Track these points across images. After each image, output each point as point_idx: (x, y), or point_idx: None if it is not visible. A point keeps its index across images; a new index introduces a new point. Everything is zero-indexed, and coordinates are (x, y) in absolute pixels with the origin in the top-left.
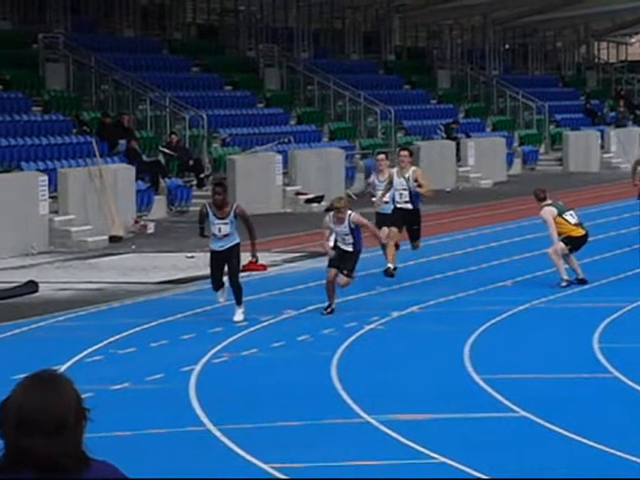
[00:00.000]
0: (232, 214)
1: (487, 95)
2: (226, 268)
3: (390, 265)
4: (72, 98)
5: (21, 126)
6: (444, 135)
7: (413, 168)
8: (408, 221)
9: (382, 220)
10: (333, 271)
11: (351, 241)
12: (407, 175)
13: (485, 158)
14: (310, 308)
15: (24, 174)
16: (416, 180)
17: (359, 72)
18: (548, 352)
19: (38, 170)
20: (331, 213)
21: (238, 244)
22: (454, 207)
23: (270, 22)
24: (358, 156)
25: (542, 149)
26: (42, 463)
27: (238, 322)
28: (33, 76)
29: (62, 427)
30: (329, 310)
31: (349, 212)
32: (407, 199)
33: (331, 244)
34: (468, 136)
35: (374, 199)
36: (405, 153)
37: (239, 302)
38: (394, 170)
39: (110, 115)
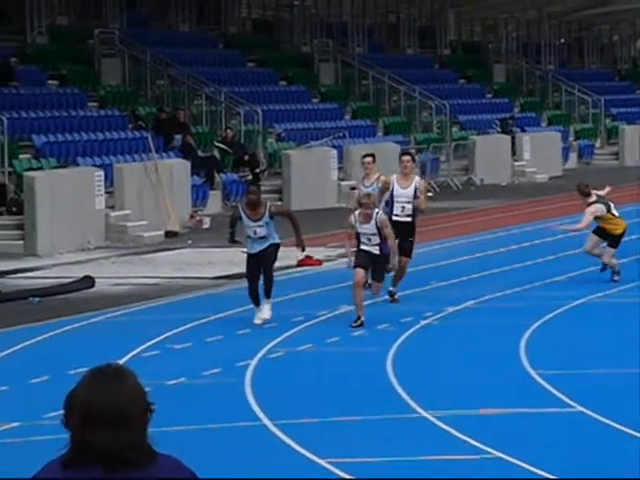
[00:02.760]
0: (267, 215)
1: (542, 89)
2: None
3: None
4: (128, 93)
5: (77, 121)
6: (499, 129)
7: (417, 178)
8: (403, 234)
9: None
10: (362, 272)
11: (377, 241)
12: (412, 185)
13: (541, 152)
14: (365, 303)
15: (80, 169)
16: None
17: (414, 66)
18: (605, 347)
19: (94, 165)
20: (357, 212)
21: (276, 245)
22: (510, 202)
23: (325, 17)
24: (413, 151)
25: (598, 143)
26: (108, 457)
27: (264, 319)
28: (89, 71)
29: (127, 421)
30: (359, 323)
31: (377, 210)
32: (410, 212)
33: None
34: (523, 130)
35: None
36: (407, 158)
37: (268, 294)
38: (393, 177)
39: (166, 110)
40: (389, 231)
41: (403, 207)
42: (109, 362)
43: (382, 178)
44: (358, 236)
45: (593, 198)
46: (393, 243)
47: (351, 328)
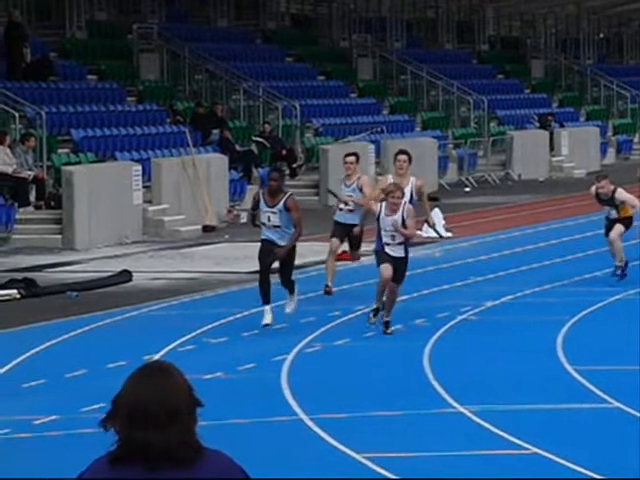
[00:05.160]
0: (282, 204)
1: (581, 84)
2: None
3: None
4: (166, 88)
5: (115, 116)
6: (538, 124)
7: (412, 178)
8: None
9: (340, 230)
10: (389, 269)
11: (401, 239)
12: (408, 187)
13: (579, 148)
14: (402, 298)
15: (118, 164)
16: (418, 192)
17: (452, 62)
18: None
19: (132, 160)
20: (384, 203)
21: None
22: (547, 197)
23: (363, 12)
24: (451, 146)
25: (636, 138)
26: (156, 454)
27: (289, 312)
28: (128, 66)
29: (174, 417)
30: (376, 315)
31: (404, 201)
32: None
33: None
34: (562, 125)
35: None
36: (404, 158)
37: (291, 292)
38: (389, 177)
39: (204, 105)
40: (414, 216)
41: None
42: (154, 359)
43: (363, 178)
44: (379, 233)
45: (612, 186)
46: (414, 227)
47: (368, 323)
